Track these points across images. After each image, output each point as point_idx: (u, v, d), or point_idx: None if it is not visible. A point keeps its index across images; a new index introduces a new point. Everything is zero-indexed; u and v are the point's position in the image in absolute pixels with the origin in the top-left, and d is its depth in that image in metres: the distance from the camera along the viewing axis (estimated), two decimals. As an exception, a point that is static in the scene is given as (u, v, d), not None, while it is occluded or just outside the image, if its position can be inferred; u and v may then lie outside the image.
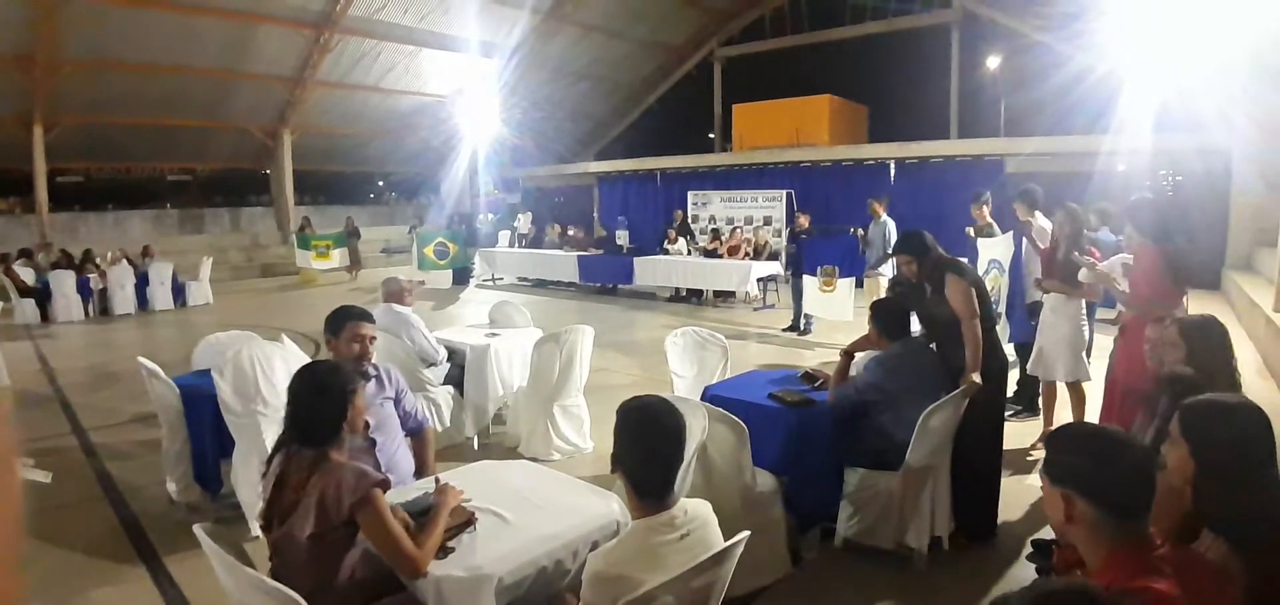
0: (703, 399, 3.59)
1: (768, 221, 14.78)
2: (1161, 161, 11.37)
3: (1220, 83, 9.52)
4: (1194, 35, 8.60)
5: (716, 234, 13.28)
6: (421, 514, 2.26)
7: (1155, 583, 1.33)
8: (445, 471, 2.85)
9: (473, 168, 18.43)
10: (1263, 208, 9.62)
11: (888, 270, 8.31)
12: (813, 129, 15.56)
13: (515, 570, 2.13)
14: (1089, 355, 4.87)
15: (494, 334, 5.53)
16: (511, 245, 16.13)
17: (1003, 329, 5.58)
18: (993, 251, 6.59)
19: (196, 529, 2.01)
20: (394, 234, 20.15)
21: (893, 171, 13.84)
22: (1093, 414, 4.49)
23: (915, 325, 3.74)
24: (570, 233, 15.29)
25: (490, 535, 2.27)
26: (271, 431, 3.31)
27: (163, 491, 4.21)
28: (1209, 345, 2.67)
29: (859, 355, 3.76)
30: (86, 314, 11.83)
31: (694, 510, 1.96)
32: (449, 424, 4.99)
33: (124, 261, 12.78)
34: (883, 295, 6.03)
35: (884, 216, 8.86)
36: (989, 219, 6.93)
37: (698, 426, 2.95)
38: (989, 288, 4.98)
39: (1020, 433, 4.97)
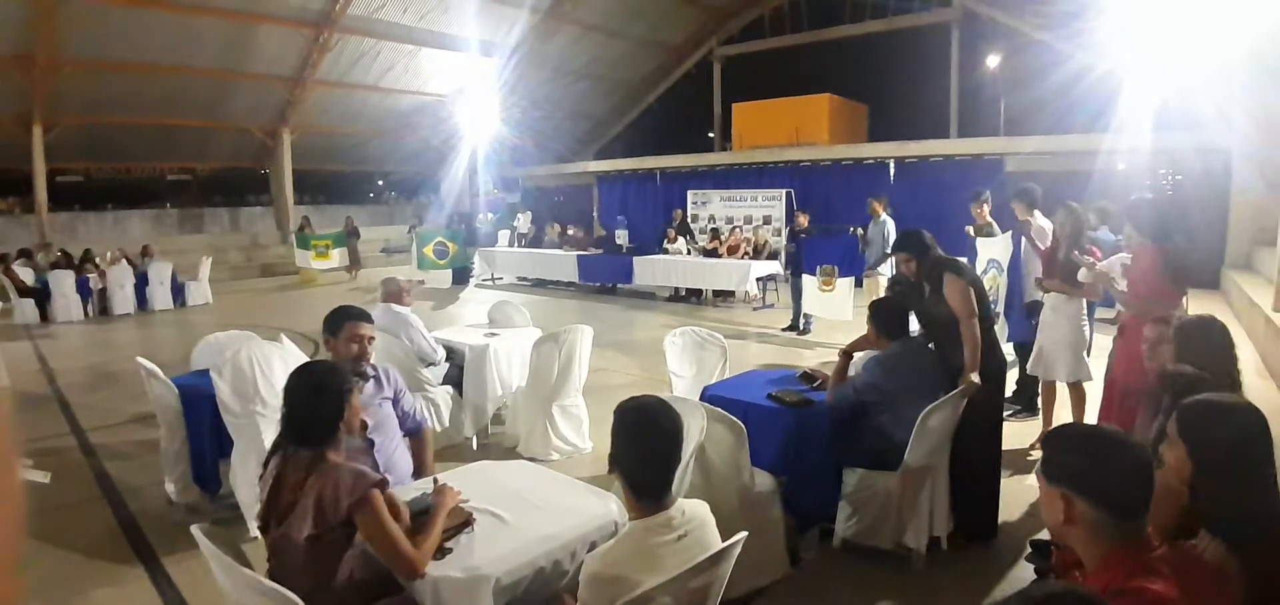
0: (701, 399, 3.59)
1: (767, 221, 14.78)
2: (1161, 160, 11.36)
3: (1220, 82, 9.52)
4: (1193, 34, 8.59)
5: (716, 233, 13.27)
6: (420, 514, 2.26)
7: (1152, 584, 1.33)
8: (444, 472, 2.85)
9: (472, 167, 18.42)
10: (1262, 207, 9.60)
11: (887, 270, 8.31)
12: (812, 128, 15.56)
13: (513, 571, 2.13)
14: (1089, 355, 4.87)
15: (493, 334, 5.53)
16: (511, 245, 16.12)
17: (1001, 328, 5.58)
18: (992, 251, 6.59)
19: (194, 530, 2.01)
20: (393, 234, 20.14)
21: (892, 171, 13.84)
22: (1092, 414, 4.49)
23: (914, 325, 3.73)
24: (570, 232, 15.29)
25: (488, 536, 2.27)
26: (270, 432, 3.29)
27: (161, 492, 4.21)
28: (1209, 346, 2.66)
29: (858, 355, 3.76)
30: (86, 314, 11.83)
31: (692, 511, 1.96)
32: (448, 424, 4.99)
33: (123, 261, 12.77)
34: (882, 295, 6.02)
35: (883, 216, 8.86)
36: (988, 218, 6.93)
37: (696, 427, 2.95)
38: (987, 287, 4.98)
39: (1019, 433, 4.97)
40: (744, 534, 1.95)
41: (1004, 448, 3.83)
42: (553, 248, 14.59)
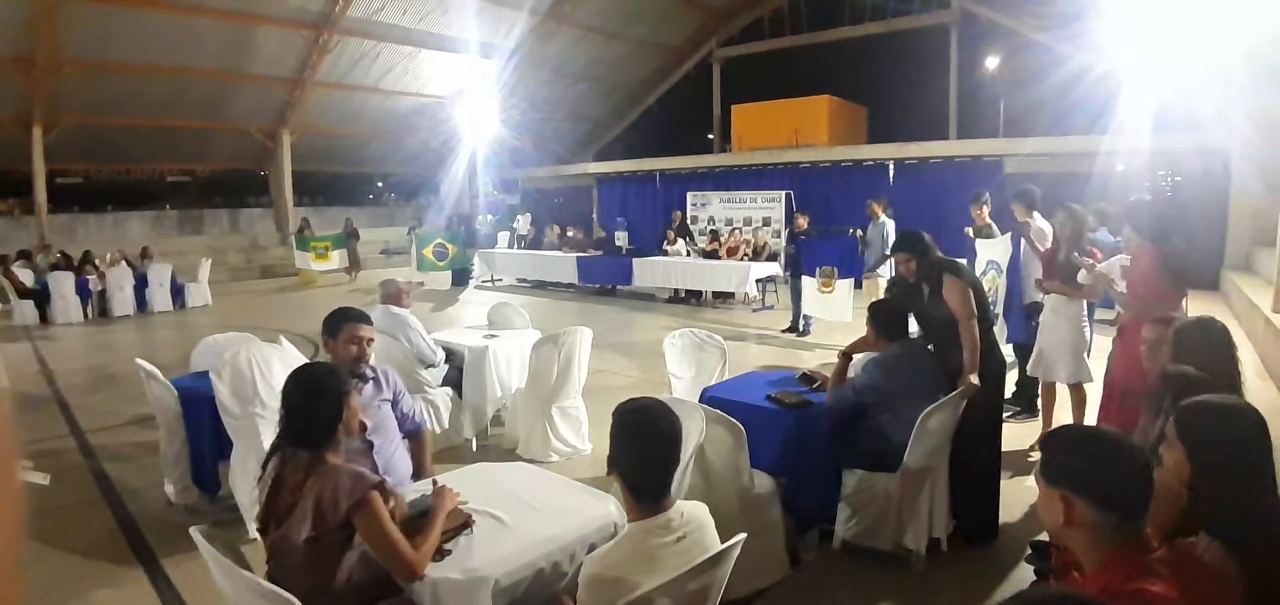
0: (701, 400, 3.59)
1: (767, 222, 14.79)
2: (1160, 162, 11.37)
3: (1218, 83, 9.53)
4: (1192, 35, 8.61)
5: (715, 235, 13.28)
6: (419, 516, 2.26)
7: (1152, 585, 1.33)
8: (443, 473, 2.84)
9: (472, 169, 18.44)
10: (1261, 208, 9.61)
11: (886, 271, 8.31)
12: (812, 130, 15.57)
13: (512, 573, 2.13)
14: (1089, 356, 4.86)
15: (492, 335, 5.52)
16: (510, 246, 16.14)
17: (1001, 330, 5.58)
18: (991, 252, 6.59)
19: (193, 532, 2.01)
20: (393, 235, 20.16)
21: (892, 172, 13.85)
22: (1092, 416, 4.49)
23: (913, 327, 3.73)
24: (569, 234, 15.29)
25: (487, 537, 2.27)
26: (269, 433, 3.28)
27: (161, 493, 4.20)
28: (1209, 347, 2.66)
29: (857, 356, 3.75)
30: (85, 315, 11.82)
31: (691, 512, 1.96)
32: (447, 426, 4.98)
33: (123, 263, 12.76)
34: (881, 296, 6.02)
35: (883, 217, 8.86)
36: (988, 219, 6.93)
37: (695, 428, 2.94)
38: (986, 288, 4.98)
39: (1019, 434, 4.97)
40: (743, 535, 1.95)
41: (1004, 449, 3.83)
42: (552, 249, 14.60)
